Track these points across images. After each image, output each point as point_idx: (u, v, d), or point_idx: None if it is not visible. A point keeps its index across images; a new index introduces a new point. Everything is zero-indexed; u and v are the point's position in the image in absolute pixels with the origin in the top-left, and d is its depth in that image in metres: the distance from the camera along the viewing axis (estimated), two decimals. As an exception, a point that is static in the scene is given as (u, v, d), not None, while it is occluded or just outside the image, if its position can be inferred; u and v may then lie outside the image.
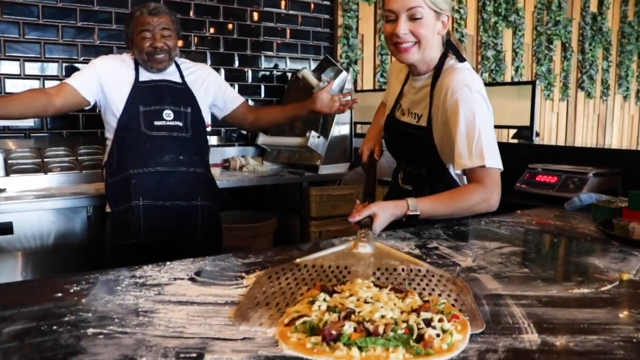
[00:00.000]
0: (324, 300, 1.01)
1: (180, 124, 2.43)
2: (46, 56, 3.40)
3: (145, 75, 2.45)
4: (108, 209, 2.47)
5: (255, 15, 4.16)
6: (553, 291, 1.18)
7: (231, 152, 4.04)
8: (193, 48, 3.91)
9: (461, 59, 1.78)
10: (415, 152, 1.90)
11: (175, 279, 1.23)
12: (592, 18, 6.67)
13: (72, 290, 1.15)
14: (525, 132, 3.96)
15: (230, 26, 4.06)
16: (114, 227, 2.42)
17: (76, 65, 3.48)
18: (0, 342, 0.90)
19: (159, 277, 1.24)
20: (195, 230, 2.45)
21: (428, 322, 0.91)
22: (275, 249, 1.53)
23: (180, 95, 2.49)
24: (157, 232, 2.37)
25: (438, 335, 0.89)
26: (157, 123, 2.39)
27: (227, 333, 0.94)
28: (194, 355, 0.85)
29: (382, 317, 0.92)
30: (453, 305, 1.06)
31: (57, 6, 3.38)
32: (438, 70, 1.79)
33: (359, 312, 0.93)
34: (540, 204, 2.35)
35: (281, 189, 4.08)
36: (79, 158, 3.27)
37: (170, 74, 2.51)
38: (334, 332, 0.87)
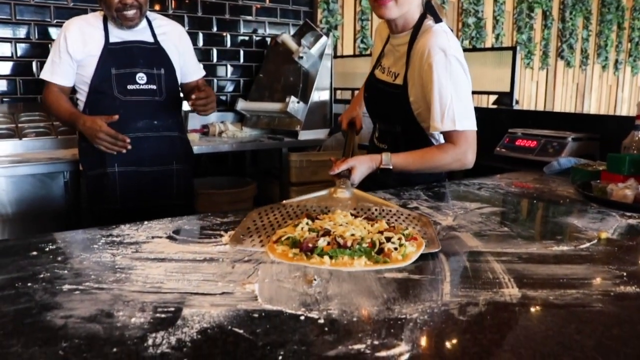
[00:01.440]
0: (307, 224, 1.21)
1: (154, 87, 2.36)
2: (17, 18, 3.30)
3: (115, 35, 2.34)
4: (81, 167, 2.44)
5: (234, -22, 4.07)
6: (533, 249, 1.19)
7: (210, 117, 3.97)
8: (170, 11, 3.82)
9: (437, 20, 1.76)
10: (390, 110, 1.90)
11: (153, 237, 1.21)
12: (573, -14, 6.66)
13: (47, 249, 1.12)
14: (505, 98, 3.97)
15: (208, -11, 3.97)
16: (89, 190, 2.38)
17: (48, 28, 3.38)
18: (-28, 299, 0.87)
19: (136, 236, 1.22)
20: (170, 194, 2.44)
21: (388, 239, 1.11)
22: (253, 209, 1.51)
23: (153, 56, 2.39)
24: (133, 198, 2.35)
25: (395, 249, 1.08)
26: (130, 87, 2.31)
27: (205, 288, 0.92)
28: (172, 309, 0.84)
29: (352, 235, 1.12)
30: (417, 233, 1.23)
31: (29, -35, 3.27)
32: (416, 30, 1.78)
33: (333, 232, 1.14)
34: (520, 167, 2.36)
35: (261, 154, 4.05)
36: (55, 123, 3.19)
37: (142, 32, 2.39)
38: (310, 245, 1.08)
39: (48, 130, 3.15)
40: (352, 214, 1.32)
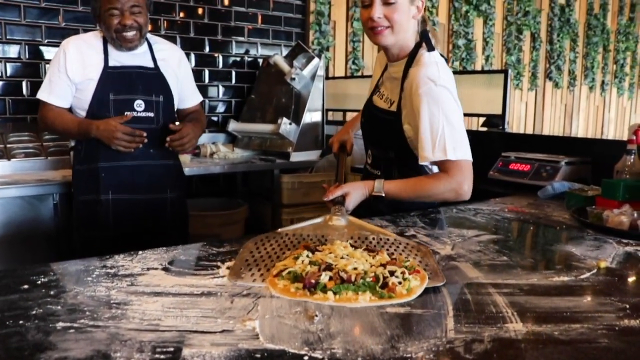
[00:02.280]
0: (307, 256, 1.19)
1: (151, 114, 2.31)
2: (7, 37, 3.27)
3: (114, 59, 2.29)
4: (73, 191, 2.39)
5: (226, 0, 4.08)
6: (533, 279, 1.18)
7: (201, 138, 3.95)
8: (162, 32, 3.81)
9: (430, 49, 1.77)
10: (384, 136, 1.90)
11: (148, 268, 1.19)
12: (560, 9, 6.74)
13: (39, 282, 1.09)
14: (494, 119, 4.00)
15: (200, 10, 3.97)
16: (80, 216, 2.33)
17: (39, 48, 3.36)
18: (-37, 337, 0.84)
19: (131, 267, 1.19)
20: (164, 222, 2.39)
21: (392, 273, 1.09)
22: (250, 237, 1.48)
23: (153, 82, 2.34)
24: (125, 225, 2.30)
25: (400, 283, 1.06)
26: (127, 114, 2.24)
27: (205, 325, 0.90)
28: (172, 349, 0.82)
29: (355, 269, 1.10)
30: (418, 264, 1.22)
31: (20, -14, 3.25)
32: (411, 58, 1.78)
33: (335, 265, 1.11)
34: (514, 191, 2.36)
35: (252, 176, 4.03)
36: (44, 144, 3.16)
37: (142, 56, 2.34)
38: (312, 281, 1.05)
39: (38, 151, 3.11)
40: (351, 245, 1.30)
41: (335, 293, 1.03)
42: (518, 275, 1.20)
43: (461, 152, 1.66)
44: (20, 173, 2.95)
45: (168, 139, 2.24)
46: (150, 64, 2.36)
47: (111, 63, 2.28)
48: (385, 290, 1.05)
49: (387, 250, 1.33)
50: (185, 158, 3.44)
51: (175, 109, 2.50)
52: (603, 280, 1.19)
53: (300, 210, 3.70)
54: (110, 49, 2.29)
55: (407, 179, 1.75)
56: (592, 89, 7.48)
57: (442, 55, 1.81)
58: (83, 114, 2.28)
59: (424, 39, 1.78)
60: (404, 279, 1.08)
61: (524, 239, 1.63)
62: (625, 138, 2.27)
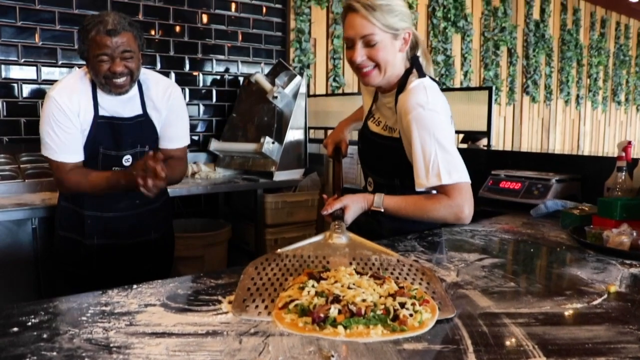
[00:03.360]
0: (313, 286, 1.13)
1: None
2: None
3: (104, 107, 2.11)
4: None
5: (205, 18, 4.04)
6: (546, 307, 1.14)
7: (183, 158, 3.90)
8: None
9: (421, 75, 1.74)
10: (388, 163, 1.85)
11: (146, 305, 1.12)
12: (535, 25, 6.85)
13: (30, 324, 1.02)
14: (474, 135, 4.02)
15: (179, 28, 3.92)
16: (59, 250, 2.25)
17: (15, 67, 3.27)
18: (-48, 392, 0.77)
19: (127, 304, 1.12)
20: (147, 261, 2.32)
21: (402, 305, 1.05)
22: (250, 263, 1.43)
23: (140, 132, 2.19)
24: (109, 267, 2.23)
25: (411, 315, 1.02)
26: (115, 169, 2.12)
27: (215, 371, 0.84)
28: (183, 399, 0.76)
29: (364, 300, 1.06)
30: (425, 292, 1.19)
31: (-6, 4, 3.17)
32: (401, 87, 1.74)
33: (343, 297, 1.07)
34: (506, 210, 2.34)
35: (235, 196, 3.97)
36: (22, 166, 3.07)
37: (131, 101, 2.16)
38: (322, 315, 1.00)
39: (15, 173, 3.02)
40: (356, 271, 1.24)
41: (345, 327, 0.99)
42: (530, 303, 1.17)
43: (457, 175, 1.62)
44: (-3, 197, 2.85)
45: (140, 180, 1.88)
46: (139, 111, 2.19)
47: (101, 112, 2.12)
48: (397, 323, 1.00)
49: (392, 274, 1.31)
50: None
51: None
52: (617, 306, 1.16)
53: (285, 230, 3.65)
54: (100, 95, 2.12)
55: (407, 196, 1.70)
56: (568, 103, 7.60)
57: (433, 79, 1.78)
58: None
59: (415, 66, 1.75)
60: (415, 311, 1.04)
61: (527, 262, 1.60)
62: (601, 152, 2.27)
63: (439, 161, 1.61)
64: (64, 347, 0.92)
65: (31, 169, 3.07)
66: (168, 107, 2.25)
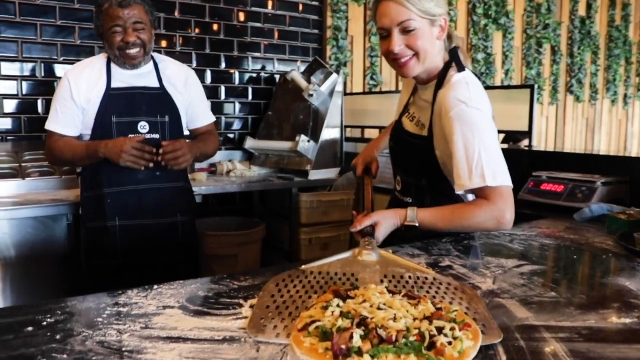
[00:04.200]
0: (337, 305, 1.00)
1: (156, 136, 2.21)
2: (24, 55, 3.22)
3: (118, 79, 2.22)
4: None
5: (242, 16, 4.02)
6: (591, 321, 1.05)
7: (218, 156, 3.88)
8: (178, 48, 3.75)
9: (460, 68, 1.66)
10: (415, 163, 1.77)
11: (164, 307, 1.08)
12: (580, 21, 6.63)
13: (45, 323, 0.99)
14: (516, 135, 3.89)
15: (215, 26, 3.91)
16: (87, 244, 2.25)
17: (54, 66, 3.30)
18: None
19: (145, 305, 1.09)
20: (175, 249, 2.30)
21: (440, 330, 0.91)
22: (271, 269, 1.37)
23: (157, 103, 2.25)
24: (135, 253, 2.21)
25: (450, 343, 0.88)
26: (131, 136, 2.16)
27: (228, 382, 0.79)
28: (191, 412, 0.71)
29: (394, 320, 0.93)
30: (466, 313, 1.04)
31: (35, 3, 3.22)
32: (440, 80, 1.67)
33: (371, 319, 0.93)
34: (547, 213, 2.23)
35: (270, 194, 3.94)
36: (58, 163, 3.10)
37: (146, 76, 2.27)
38: (343, 347, 0.86)
39: (52, 169, 3.05)
40: (388, 290, 1.10)
41: (372, 357, 0.85)
42: (572, 316, 1.08)
43: (501, 177, 1.52)
44: (34, 192, 2.89)
45: (160, 150, 2.11)
46: (155, 84, 2.27)
47: (114, 84, 2.21)
48: (433, 353, 0.86)
49: (427, 292, 1.18)
50: (201, 176, 3.36)
51: (187, 129, 2.42)
52: (668, 321, 1.07)
53: (319, 229, 3.59)
54: (114, 69, 2.23)
55: (442, 206, 1.60)
56: (615, 102, 7.33)
57: (474, 73, 1.70)
58: (87, 138, 2.21)
59: (454, 59, 1.67)
60: (454, 338, 0.90)
61: (570, 269, 1.51)
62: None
63: (483, 162, 1.51)
64: (75, 350, 0.89)
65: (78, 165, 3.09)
66: (188, 91, 2.35)
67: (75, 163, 2.25)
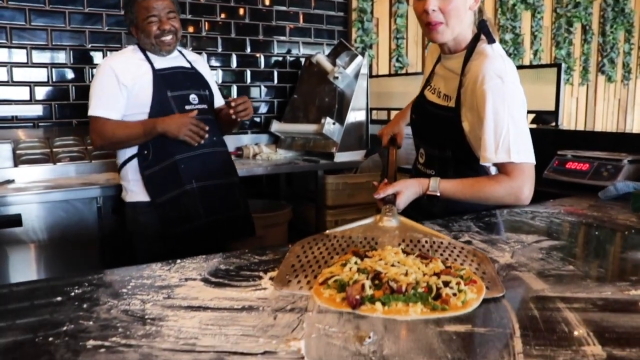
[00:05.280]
0: (355, 263, 1.11)
1: (205, 106, 2.47)
2: (54, 43, 3.30)
3: (158, 63, 2.42)
4: (140, 199, 2.37)
5: (267, 0, 4.03)
6: (607, 293, 1.06)
7: (244, 139, 3.93)
8: (204, 33, 3.78)
9: (491, 40, 1.66)
10: (441, 133, 1.78)
11: (186, 279, 1.12)
12: (614, -1, 6.46)
13: (73, 294, 1.04)
14: (544, 116, 3.82)
15: (241, 11, 3.93)
16: (161, 217, 2.35)
17: (83, 52, 3.37)
18: (-11, 357, 0.79)
19: (168, 278, 1.12)
20: (238, 205, 2.56)
21: (446, 284, 1.00)
22: (293, 242, 1.40)
23: (196, 79, 2.51)
24: (213, 212, 2.42)
25: (455, 295, 0.97)
26: (187, 107, 2.39)
27: (245, 346, 0.82)
28: (209, 373, 0.74)
29: (406, 275, 1.02)
30: (475, 272, 1.13)
31: (63, -9, 3.27)
32: (470, 52, 1.67)
33: (385, 274, 1.03)
34: (572, 192, 2.21)
35: (296, 177, 3.97)
36: (89, 147, 3.17)
37: (178, 60, 2.51)
38: (358, 297, 0.96)
39: (82, 154, 3.13)
40: (403, 251, 1.21)
41: (384, 304, 0.95)
42: (588, 288, 1.08)
43: (525, 154, 1.56)
44: (65, 177, 2.97)
45: (232, 104, 2.36)
46: (187, 65, 2.54)
47: (157, 66, 2.41)
48: (439, 302, 0.96)
49: (442, 255, 1.25)
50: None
51: None
52: (687, 293, 1.06)
53: (345, 211, 3.61)
54: (150, 56, 2.43)
55: (464, 178, 1.64)
56: (649, 82, 7.15)
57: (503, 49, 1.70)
58: (144, 116, 2.33)
59: (483, 31, 1.67)
60: (459, 291, 0.99)
61: (590, 245, 1.50)
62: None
63: (511, 138, 1.55)
64: (101, 317, 0.93)
65: (97, 150, 3.16)
66: (206, 74, 2.60)
67: (128, 144, 2.34)
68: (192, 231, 2.37)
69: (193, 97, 2.44)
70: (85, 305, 0.98)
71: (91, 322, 0.91)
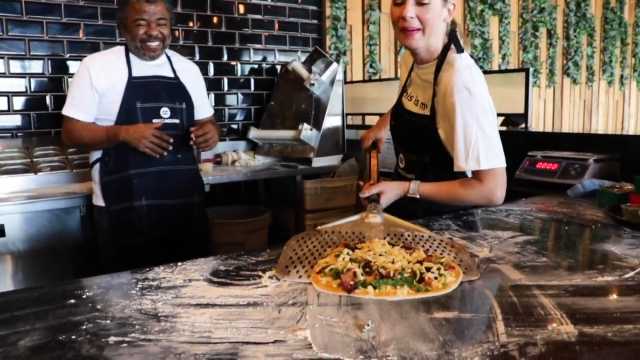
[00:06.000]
0: (347, 254, 1.25)
1: (176, 121, 2.40)
2: (31, 53, 3.32)
3: (137, 69, 2.37)
4: (99, 203, 2.41)
5: (242, 8, 4.10)
6: (577, 280, 1.16)
7: (222, 146, 3.98)
8: (181, 42, 3.84)
9: (459, 50, 1.75)
10: (418, 140, 1.88)
11: (190, 280, 1.19)
12: (576, 4, 6.70)
13: (84, 296, 1.10)
14: (514, 118, 3.97)
15: (216, 19, 4.00)
16: (112, 225, 2.37)
17: (61, 62, 3.40)
18: (18, 357, 0.85)
19: (173, 279, 1.19)
20: (192, 226, 2.49)
21: (428, 269, 1.16)
22: (278, 244, 1.49)
23: (175, 91, 2.44)
24: (159, 230, 2.38)
25: (436, 278, 1.12)
26: (155, 120, 2.32)
27: (256, 336, 0.90)
28: (227, 360, 0.82)
29: (393, 263, 1.18)
30: (453, 260, 1.27)
31: (41, 2, 3.30)
32: (440, 60, 1.77)
33: (374, 262, 1.18)
34: (543, 191, 2.34)
35: (274, 182, 4.04)
36: (69, 157, 3.20)
37: (162, 67, 2.45)
38: (352, 283, 1.10)
39: (63, 164, 3.15)
40: (389, 243, 1.36)
41: (375, 287, 1.09)
42: (561, 276, 1.19)
43: (494, 160, 1.67)
44: (47, 186, 2.99)
45: (192, 136, 2.33)
46: (171, 74, 2.46)
47: (135, 73, 2.36)
48: (422, 285, 1.11)
49: (423, 246, 1.39)
50: (207, 167, 3.46)
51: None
52: (648, 279, 1.18)
53: (324, 215, 3.69)
54: (133, 60, 2.38)
55: (441, 183, 1.77)
56: (611, 84, 7.41)
57: (471, 56, 1.80)
58: (109, 123, 2.32)
59: (453, 40, 1.77)
60: (440, 275, 1.14)
61: (561, 238, 1.62)
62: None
63: (480, 146, 1.65)
64: (117, 316, 1.00)
65: (78, 160, 3.19)
66: (195, 84, 2.56)
67: (92, 147, 2.36)
68: (139, 244, 2.36)
69: (164, 110, 2.37)
70: (99, 306, 1.04)
71: (108, 321, 0.98)
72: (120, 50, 2.42)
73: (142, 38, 2.30)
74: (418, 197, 1.74)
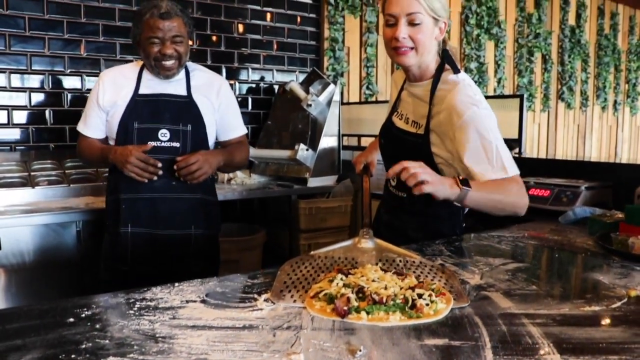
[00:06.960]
0: (341, 279, 1.28)
1: (177, 144, 2.21)
2: (32, 68, 3.36)
3: (146, 86, 2.25)
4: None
5: (241, 28, 4.16)
6: (565, 309, 1.19)
7: (219, 164, 4.00)
8: (181, 60, 3.88)
9: (456, 70, 1.80)
10: (410, 158, 1.87)
11: (187, 301, 1.21)
12: (570, 31, 6.80)
13: (83, 315, 1.12)
14: (509, 143, 4.00)
15: (215, 38, 4.05)
16: (104, 247, 2.33)
17: (62, 78, 3.44)
18: (19, 373, 0.87)
19: (170, 300, 1.22)
20: (187, 260, 2.29)
21: (420, 296, 1.18)
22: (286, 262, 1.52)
23: (182, 111, 2.25)
24: (144, 261, 2.23)
25: (427, 305, 1.15)
26: (151, 143, 2.18)
27: None
28: (222, 383, 0.84)
29: (385, 288, 1.21)
30: (444, 286, 1.30)
31: (44, 18, 3.35)
32: (436, 80, 1.81)
33: (367, 288, 1.20)
34: (534, 217, 2.37)
35: (270, 201, 4.06)
36: (67, 171, 3.22)
37: (175, 84, 2.28)
38: (345, 309, 1.13)
39: (60, 178, 3.16)
40: (381, 268, 1.38)
41: (368, 313, 1.13)
42: (549, 305, 1.22)
43: (513, 168, 1.70)
44: (44, 201, 2.99)
45: (175, 167, 2.14)
46: (183, 92, 2.28)
47: (142, 90, 2.25)
48: (414, 311, 1.14)
49: (414, 272, 1.42)
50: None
51: (216, 140, 2.44)
52: (635, 309, 1.20)
53: (318, 235, 3.72)
54: (145, 76, 2.27)
55: (486, 189, 1.67)
56: (605, 109, 7.51)
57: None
58: (113, 142, 2.28)
59: (447, 60, 1.81)
60: (431, 301, 1.17)
61: (551, 267, 1.65)
62: (641, 160, 2.29)
63: (502, 156, 1.68)
64: (115, 336, 1.02)
65: (75, 174, 3.21)
66: (219, 101, 2.35)
67: (94, 165, 2.36)
68: (119, 272, 2.25)
69: (163, 132, 2.20)
70: (97, 326, 1.07)
71: (107, 341, 1.00)
72: (136, 66, 2.32)
73: (156, 57, 2.17)
74: (459, 205, 1.71)
